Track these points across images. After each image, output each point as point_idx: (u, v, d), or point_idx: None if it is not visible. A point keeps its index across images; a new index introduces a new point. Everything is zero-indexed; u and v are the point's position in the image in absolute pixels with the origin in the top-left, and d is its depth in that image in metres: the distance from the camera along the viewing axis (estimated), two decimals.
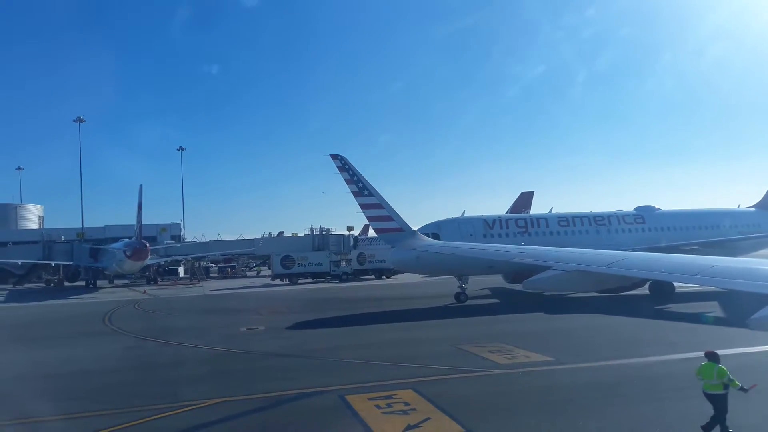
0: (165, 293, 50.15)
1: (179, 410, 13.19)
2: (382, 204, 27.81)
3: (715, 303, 29.18)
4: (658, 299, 30.83)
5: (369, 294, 41.00)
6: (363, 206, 28.74)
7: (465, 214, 35.88)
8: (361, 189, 28.68)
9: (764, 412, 11.91)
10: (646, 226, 35.95)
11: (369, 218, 28.91)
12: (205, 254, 75.68)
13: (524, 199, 70.80)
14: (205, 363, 19.05)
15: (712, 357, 10.51)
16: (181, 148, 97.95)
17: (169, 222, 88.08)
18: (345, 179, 29.08)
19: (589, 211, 37.71)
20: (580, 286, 13.23)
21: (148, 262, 63.00)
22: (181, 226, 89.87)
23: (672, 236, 35.36)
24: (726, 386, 10.17)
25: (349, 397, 13.68)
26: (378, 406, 13.00)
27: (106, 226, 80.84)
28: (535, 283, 12.81)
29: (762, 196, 41.44)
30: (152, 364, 19.34)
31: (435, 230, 33.49)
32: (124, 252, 55.62)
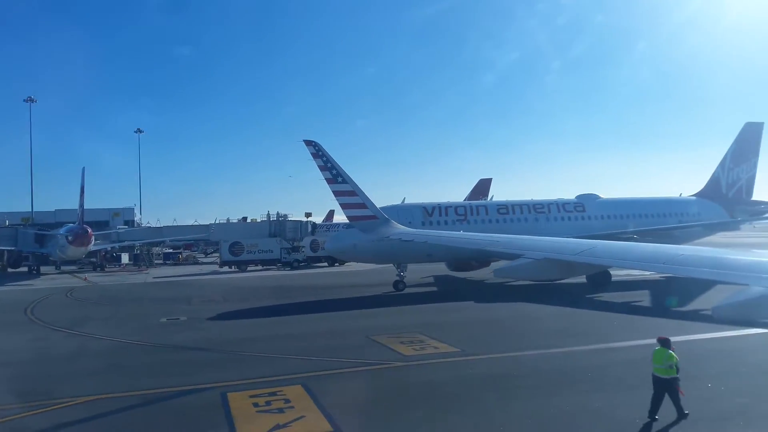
0: (107, 280, 48.61)
1: (44, 409, 12.38)
2: (355, 191, 27.23)
3: (646, 292, 29.46)
4: (594, 288, 30.84)
5: (313, 282, 40.30)
6: (337, 193, 28.14)
7: (405, 201, 35.36)
8: (335, 176, 28.04)
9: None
10: (586, 214, 36.00)
11: (342, 205, 28.36)
12: (158, 240, 73.98)
13: (482, 186, 70.66)
14: (102, 356, 18.15)
15: (664, 343, 10.83)
16: (139, 131, 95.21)
17: (123, 206, 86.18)
18: (319, 166, 28.35)
19: (557, 197, 37.63)
20: (549, 274, 13.25)
21: (95, 247, 61.19)
22: (135, 211, 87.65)
23: (611, 224, 35.47)
24: (677, 370, 10.43)
25: (231, 395, 13.07)
26: (256, 404, 12.43)
27: (56, 210, 78.20)
28: (506, 271, 12.98)
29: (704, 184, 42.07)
30: (46, 357, 18.37)
31: None
32: (66, 237, 53.57)
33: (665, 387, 10.55)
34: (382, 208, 33.47)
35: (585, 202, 36.94)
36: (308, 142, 28.62)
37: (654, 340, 11.21)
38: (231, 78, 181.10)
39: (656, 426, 10.56)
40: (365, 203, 26.66)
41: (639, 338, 18.12)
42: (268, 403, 12.51)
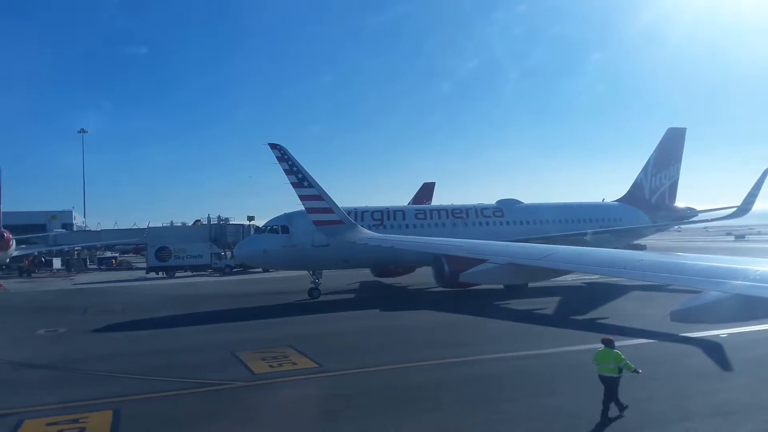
0: (24, 287, 46.29)
1: None
2: (322, 195, 26.13)
3: (558, 299, 29.16)
4: (510, 293, 30.48)
5: (233, 290, 38.94)
6: (302, 197, 27.03)
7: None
8: (300, 180, 26.89)
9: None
10: (505, 219, 35.66)
11: (308, 210, 27.27)
12: (94, 244, 71.47)
13: (426, 190, 70.27)
14: None
15: (608, 343, 11.44)
16: (83, 131, 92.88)
17: (60, 209, 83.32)
18: (284, 169, 27.15)
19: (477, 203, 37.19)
20: (512, 279, 13.61)
21: (20, 252, 58.61)
22: (74, 214, 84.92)
23: (530, 230, 35.21)
24: (620, 370, 11.09)
25: (28, 422, 11.87)
26: None
27: None
28: (471, 276, 13.07)
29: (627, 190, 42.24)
30: None
31: (285, 223, 31.89)
32: None
33: (612, 385, 11.15)
34: (292, 214, 32.53)
35: (504, 207, 36.62)
36: (273, 146, 27.55)
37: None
38: (184, 80, 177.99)
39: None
40: (331, 208, 25.73)
41: (512, 350, 17.68)
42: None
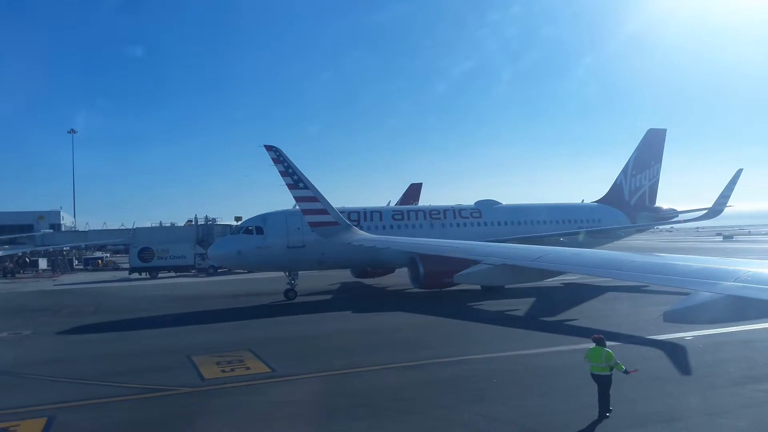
0: (7, 288, 46.05)
1: None
2: (317, 197, 25.95)
3: (533, 300, 28.92)
4: (487, 294, 30.30)
5: (211, 291, 38.65)
6: (298, 199, 26.93)
7: (296, 207, 34.04)
8: (296, 181, 26.71)
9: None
10: (482, 220, 35.40)
11: (304, 211, 27.22)
12: (80, 244, 71.24)
13: (413, 191, 70.07)
14: None
15: (599, 342, 11.42)
16: (72, 131, 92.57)
17: (48, 209, 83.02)
18: (279, 171, 26.98)
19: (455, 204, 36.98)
20: (507, 280, 13.44)
21: (3, 252, 58.38)
22: (61, 214, 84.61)
23: (508, 231, 34.98)
24: (611, 368, 11.07)
25: None
26: None
27: None
28: (466, 277, 13.26)
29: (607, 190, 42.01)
30: None
31: (259, 224, 31.61)
32: None
33: (605, 383, 11.15)
34: (266, 215, 32.31)
35: (482, 208, 36.36)
36: (269, 147, 27.35)
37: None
38: (179, 79, 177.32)
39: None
40: (327, 209, 25.53)
41: (470, 353, 17.43)
42: None
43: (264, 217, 31.91)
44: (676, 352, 16.89)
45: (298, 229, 31.64)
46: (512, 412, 11.98)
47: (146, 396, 13.98)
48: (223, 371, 16.08)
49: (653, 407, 11.91)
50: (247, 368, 16.39)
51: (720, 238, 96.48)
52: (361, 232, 26.72)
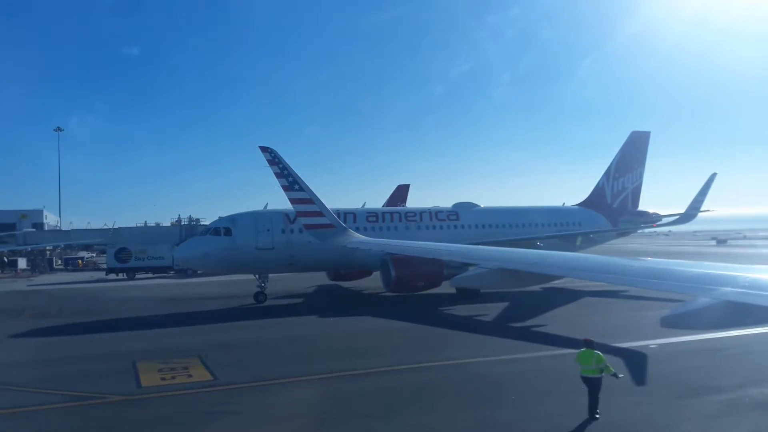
0: None
1: None
2: (312, 199, 25.39)
3: (506, 304, 28.30)
4: (460, 298, 29.68)
5: (183, 293, 37.82)
6: (293, 201, 26.41)
7: (268, 207, 33.42)
8: (291, 183, 26.16)
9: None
10: (459, 223, 34.79)
11: (299, 214, 26.79)
12: (59, 244, 70.35)
13: (401, 192, 69.47)
14: None
15: (589, 344, 11.39)
16: (59, 129, 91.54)
17: (30, 208, 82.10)
18: (275, 173, 26.45)
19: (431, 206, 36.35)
20: (503, 283, 13.55)
21: None
22: (44, 213, 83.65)
23: (485, 234, 34.38)
24: (601, 371, 11.05)
25: None
26: None
27: None
28: (462, 280, 13.47)
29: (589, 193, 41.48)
30: None
31: (228, 225, 30.89)
32: None
33: (595, 386, 11.09)
34: (235, 216, 31.63)
35: (460, 210, 35.74)
36: (264, 149, 26.81)
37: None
38: (175, 80, 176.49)
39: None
40: (322, 211, 24.95)
41: (425, 360, 16.86)
42: None
43: (233, 218, 31.23)
44: (636, 361, 16.32)
45: (268, 230, 31.03)
46: (454, 425, 11.38)
47: (72, 405, 13.32)
48: (163, 379, 15.45)
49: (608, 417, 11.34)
50: (189, 376, 15.77)
51: (714, 243, 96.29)
52: (357, 234, 26.15)
